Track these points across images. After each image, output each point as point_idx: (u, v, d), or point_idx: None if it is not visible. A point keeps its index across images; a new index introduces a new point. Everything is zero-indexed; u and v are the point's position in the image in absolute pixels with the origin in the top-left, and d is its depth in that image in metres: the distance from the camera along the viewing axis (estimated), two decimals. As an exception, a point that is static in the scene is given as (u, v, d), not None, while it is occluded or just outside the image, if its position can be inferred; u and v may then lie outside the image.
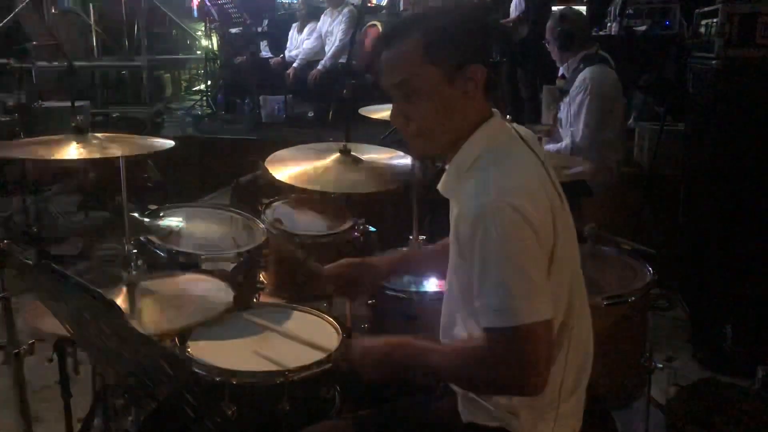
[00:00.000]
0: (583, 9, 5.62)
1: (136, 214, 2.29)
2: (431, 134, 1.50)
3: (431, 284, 2.28)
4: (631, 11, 5.99)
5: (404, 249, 2.50)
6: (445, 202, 1.61)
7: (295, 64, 6.57)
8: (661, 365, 2.30)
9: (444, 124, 1.48)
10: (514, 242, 1.33)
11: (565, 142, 3.62)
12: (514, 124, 1.56)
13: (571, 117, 3.60)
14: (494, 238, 1.33)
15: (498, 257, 1.33)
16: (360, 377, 1.58)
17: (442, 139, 1.51)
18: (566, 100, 3.68)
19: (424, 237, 2.59)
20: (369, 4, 8.00)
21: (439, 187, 1.59)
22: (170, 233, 2.36)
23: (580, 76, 3.56)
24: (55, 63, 5.97)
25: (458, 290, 1.53)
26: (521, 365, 1.33)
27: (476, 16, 1.53)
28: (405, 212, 2.58)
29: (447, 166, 1.56)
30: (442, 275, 1.72)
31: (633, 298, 2.18)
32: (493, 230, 1.33)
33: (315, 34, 6.68)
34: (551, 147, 3.66)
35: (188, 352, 1.83)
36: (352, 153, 2.58)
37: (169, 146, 2.12)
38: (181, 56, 9.81)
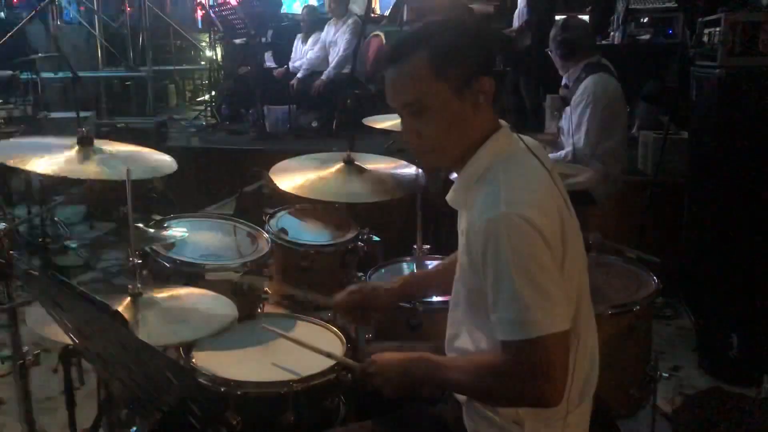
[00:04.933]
0: (586, 18, 5.64)
1: (140, 225, 2.30)
2: (444, 149, 1.50)
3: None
4: (645, 20, 6.00)
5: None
6: (451, 213, 1.61)
7: (299, 75, 6.58)
8: (666, 374, 2.29)
9: (456, 139, 1.49)
10: (527, 254, 1.33)
11: (567, 150, 3.62)
12: (521, 135, 1.57)
13: (572, 125, 3.60)
14: (506, 250, 1.33)
15: (511, 270, 1.33)
16: (375, 390, 1.58)
17: (454, 153, 1.51)
18: (568, 108, 3.68)
19: (428, 246, 2.60)
20: (372, 15, 8.03)
21: (448, 198, 1.59)
22: (175, 243, 2.36)
23: (582, 85, 3.57)
24: (60, 74, 6.00)
25: (465, 301, 1.53)
26: (539, 377, 1.33)
27: (481, 28, 1.53)
28: (409, 221, 2.58)
29: (455, 178, 1.56)
30: (448, 293, 1.71)
31: (638, 307, 2.18)
32: (505, 243, 1.33)
33: (319, 45, 6.70)
34: (552, 155, 3.66)
35: (193, 362, 1.83)
36: (356, 163, 2.59)
37: (171, 170, 2.14)
38: (185, 67, 9.85)
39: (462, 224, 1.54)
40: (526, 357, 1.34)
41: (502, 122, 1.54)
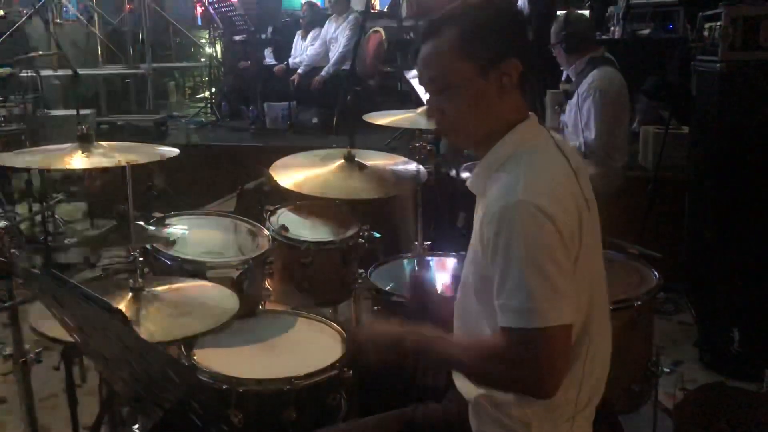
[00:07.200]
0: (586, 13, 5.62)
1: (141, 222, 2.29)
2: (465, 128, 1.51)
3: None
4: (644, 15, 5.97)
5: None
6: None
7: (299, 71, 6.58)
8: (668, 369, 2.28)
9: (478, 119, 1.48)
10: (538, 243, 1.32)
11: (576, 143, 3.60)
12: (551, 131, 1.55)
13: (581, 120, 3.58)
14: (518, 238, 1.32)
15: (521, 258, 1.31)
16: (369, 368, 1.56)
17: (476, 134, 1.51)
18: (572, 102, 3.67)
19: (429, 243, 2.60)
20: (372, 11, 8.01)
21: (468, 183, 1.58)
22: (175, 241, 2.36)
23: (588, 78, 3.56)
24: (60, 71, 6.00)
25: (474, 289, 1.50)
26: (537, 367, 1.32)
27: (511, 10, 1.54)
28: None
29: (478, 163, 1.55)
30: None
31: (639, 303, 2.17)
32: (517, 230, 1.32)
33: (319, 41, 6.69)
34: None
35: (194, 359, 1.83)
36: (357, 159, 2.58)
37: (173, 154, 2.12)
38: (185, 64, 9.84)
39: (479, 211, 1.53)
40: (527, 345, 1.32)
41: (531, 114, 1.53)
